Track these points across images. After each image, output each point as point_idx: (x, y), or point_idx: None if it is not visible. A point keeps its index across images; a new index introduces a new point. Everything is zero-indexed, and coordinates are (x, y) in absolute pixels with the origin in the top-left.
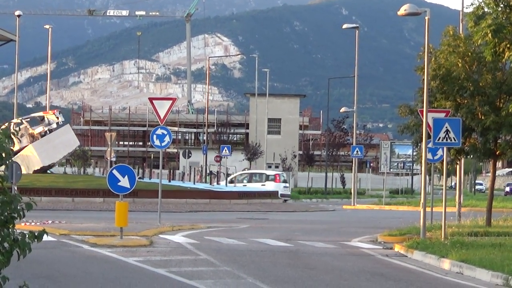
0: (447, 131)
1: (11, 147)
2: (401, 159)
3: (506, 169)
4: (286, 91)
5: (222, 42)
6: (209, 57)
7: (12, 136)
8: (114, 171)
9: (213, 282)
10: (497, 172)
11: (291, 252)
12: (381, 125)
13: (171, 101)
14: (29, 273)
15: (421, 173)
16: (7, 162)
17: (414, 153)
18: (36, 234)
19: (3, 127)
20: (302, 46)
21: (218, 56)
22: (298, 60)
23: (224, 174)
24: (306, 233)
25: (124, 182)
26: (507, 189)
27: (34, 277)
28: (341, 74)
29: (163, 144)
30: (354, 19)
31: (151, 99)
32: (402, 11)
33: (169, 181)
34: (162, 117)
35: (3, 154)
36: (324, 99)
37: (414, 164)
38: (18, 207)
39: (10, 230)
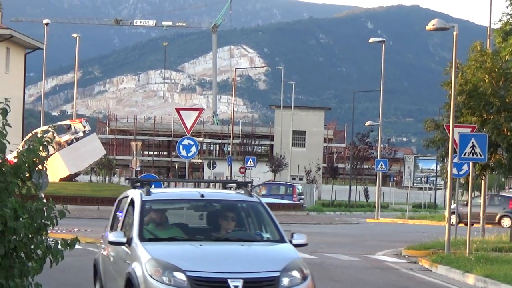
0: (473, 146)
1: (45, 155)
2: (425, 174)
3: None
4: (310, 103)
5: (247, 54)
6: (235, 69)
7: (46, 144)
8: None
9: None
10: None
11: (316, 264)
12: (404, 139)
13: (198, 112)
14: (57, 281)
15: (445, 188)
16: (41, 169)
17: (438, 168)
18: (68, 242)
19: (30, 134)
20: (327, 59)
21: (244, 68)
22: (323, 73)
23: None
24: (330, 246)
25: None
26: None
27: (62, 285)
28: (366, 88)
29: (189, 154)
30: (380, 33)
31: (178, 109)
32: (430, 26)
33: None
34: (189, 128)
35: (37, 161)
36: (348, 112)
37: (438, 179)
38: (51, 215)
39: (43, 237)
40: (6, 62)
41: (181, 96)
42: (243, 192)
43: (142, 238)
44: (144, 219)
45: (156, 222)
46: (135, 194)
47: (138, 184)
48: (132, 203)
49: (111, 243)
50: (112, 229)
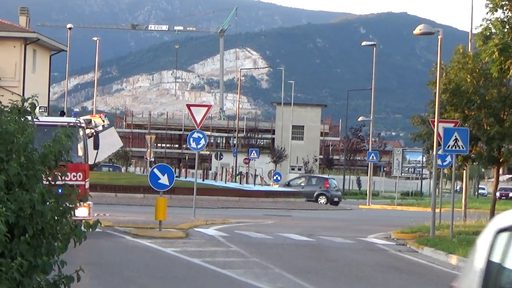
0: (456, 139)
1: (70, 145)
2: (412, 165)
3: (507, 175)
4: (308, 101)
5: (251, 56)
6: (240, 69)
7: (70, 136)
8: (155, 170)
9: (243, 272)
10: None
11: (313, 246)
12: (393, 133)
13: (207, 108)
14: (79, 260)
15: (430, 178)
16: (67, 158)
17: (424, 159)
18: (90, 224)
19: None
20: (324, 61)
21: (248, 68)
22: (319, 73)
23: (251, 175)
24: (326, 230)
25: (164, 180)
26: (497, 194)
27: (83, 264)
28: (359, 87)
29: (199, 146)
30: (371, 37)
31: (188, 106)
32: (417, 30)
33: (203, 180)
34: (198, 122)
35: (63, 152)
36: (343, 109)
37: (424, 169)
38: (75, 199)
39: (68, 219)
40: (33, 62)
41: (191, 94)
42: None
43: None
44: None
45: None
46: None
47: None
48: None
49: None
50: None
